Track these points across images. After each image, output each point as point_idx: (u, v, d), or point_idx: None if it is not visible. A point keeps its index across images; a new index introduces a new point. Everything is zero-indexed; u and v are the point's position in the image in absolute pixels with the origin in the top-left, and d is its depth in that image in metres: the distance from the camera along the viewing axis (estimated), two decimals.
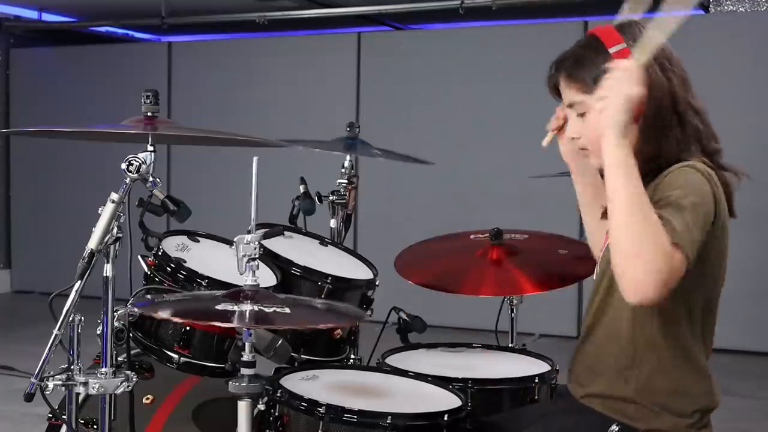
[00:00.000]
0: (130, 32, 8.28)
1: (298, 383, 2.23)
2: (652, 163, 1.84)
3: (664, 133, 1.84)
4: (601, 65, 1.83)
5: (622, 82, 1.73)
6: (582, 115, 1.93)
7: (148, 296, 2.33)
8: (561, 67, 1.93)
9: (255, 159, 1.93)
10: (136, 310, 2.14)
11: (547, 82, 1.98)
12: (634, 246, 1.65)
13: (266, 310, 1.89)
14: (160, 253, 2.42)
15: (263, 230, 2.03)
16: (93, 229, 2.07)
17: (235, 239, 1.95)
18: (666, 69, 1.85)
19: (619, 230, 1.69)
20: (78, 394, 2.12)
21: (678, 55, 1.90)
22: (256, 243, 1.94)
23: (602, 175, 1.84)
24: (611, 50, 1.86)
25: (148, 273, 2.41)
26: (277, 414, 2.10)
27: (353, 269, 2.78)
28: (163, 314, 1.99)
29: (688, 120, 1.86)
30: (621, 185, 1.70)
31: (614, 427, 1.88)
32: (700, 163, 1.83)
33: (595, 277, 2.02)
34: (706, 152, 1.87)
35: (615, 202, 1.71)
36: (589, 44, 1.90)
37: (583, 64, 1.89)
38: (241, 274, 1.95)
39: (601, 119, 1.75)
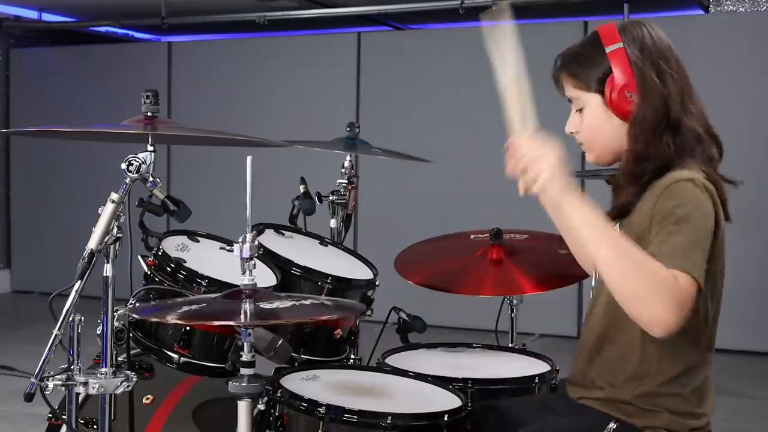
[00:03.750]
0: (130, 32, 8.28)
1: (298, 383, 2.23)
2: (644, 164, 1.85)
3: (655, 135, 1.85)
4: (598, 63, 1.87)
5: (534, 158, 1.76)
6: (580, 110, 1.95)
7: (151, 302, 2.32)
8: (563, 62, 1.97)
9: (249, 158, 1.93)
10: (135, 316, 2.14)
11: (552, 75, 2.01)
12: (635, 293, 1.66)
13: (266, 308, 1.89)
14: (160, 253, 2.42)
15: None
16: (93, 229, 2.07)
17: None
18: (662, 72, 1.85)
19: (615, 283, 1.69)
20: (78, 394, 2.12)
21: (681, 58, 1.90)
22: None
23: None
24: (607, 49, 1.88)
25: (148, 273, 2.41)
26: (277, 414, 2.10)
27: (353, 269, 2.78)
28: (165, 319, 2.00)
29: (684, 124, 1.85)
30: (596, 242, 1.71)
31: (612, 425, 1.88)
32: (699, 174, 1.81)
33: (593, 284, 2.01)
34: (706, 158, 1.86)
35: (598, 258, 1.71)
36: (589, 42, 1.93)
37: (580, 62, 1.92)
38: None
39: (542, 197, 1.79)
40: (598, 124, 1.92)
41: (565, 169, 1.75)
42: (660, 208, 1.77)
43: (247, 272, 1.93)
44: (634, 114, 1.85)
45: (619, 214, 1.91)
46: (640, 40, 1.88)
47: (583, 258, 2.21)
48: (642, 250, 1.70)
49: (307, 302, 2.04)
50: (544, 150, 1.76)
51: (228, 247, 2.00)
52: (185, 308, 1.97)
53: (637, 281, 1.66)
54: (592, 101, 1.92)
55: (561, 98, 2.04)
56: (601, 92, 1.89)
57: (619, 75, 1.86)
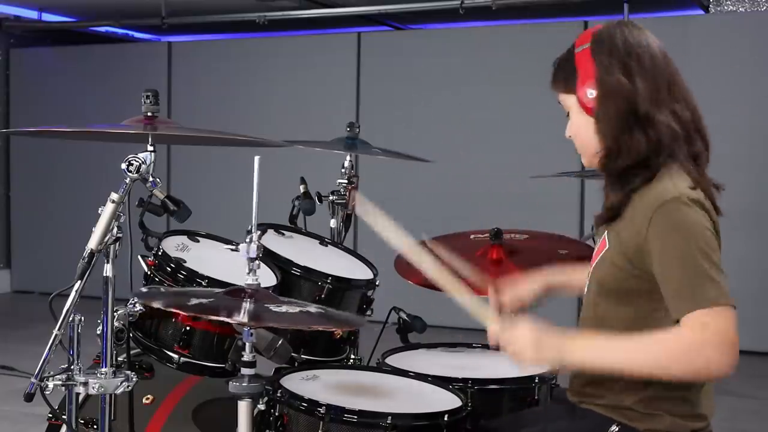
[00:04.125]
0: (130, 32, 8.28)
1: (298, 383, 2.23)
2: (618, 160, 1.86)
3: (623, 130, 1.85)
4: (570, 65, 1.91)
5: (515, 345, 1.84)
6: (568, 114, 1.97)
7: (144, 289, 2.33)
8: (553, 69, 1.99)
9: (257, 159, 1.93)
10: (136, 306, 2.15)
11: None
12: (687, 373, 1.72)
13: (267, 309, 1.89)
14: (160, 253, 2.41)
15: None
16: (93, 229, 2.07)
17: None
18: (630, 69, 1.86)
19: (667, 377, 1.75)
20: (78, 394, 2.12)
21: (662, 57, 1.90)
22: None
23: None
24: (576, 50, 1.92)
25: (148, 273, 2.41)
26: (277, 414, 2.10)
27: (353, 269, 2.78)
28: (161, 305, 2.00)
29: (657, 120, 1.84)
30: (621, 365, 1.77)
31: (614, 428, 1.88)
32: (685, 185, 1.80)
33: (585, 292, 2.01)
34: (691, 154, 1.86)
35: (636, 373, 1.77)
36: (569, 47, 1.96)
37: (560, 65, 1.96)
38: None
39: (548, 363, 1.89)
40: (579, 125, 1.94)
41: (545, 331, 1.82)
42: (655, 236, 1.77)
43: (252, 272, 1.94)
44: (597, 111, 1.88)
45: (609, 217, 1.91)
46: (611, 38, 1.89)
47: None
48: (652, 334, 1.74)
49: (308, 310, 2.05)
50: (516, 335, 1.85)
51: (234, 248, 2.00)
52: (192, 301, 1.97)
53: (683, 364, 1.70)
54: (571, 104, 1.94)
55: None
56: (575, 93, 1.92)
57: (583, 74, 1.89)
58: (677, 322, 1.72)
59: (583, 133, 1.93)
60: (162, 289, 2.32)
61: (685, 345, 1.69)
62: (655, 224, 1.77)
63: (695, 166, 1.85)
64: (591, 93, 1.88)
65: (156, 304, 2.10)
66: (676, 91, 1.89)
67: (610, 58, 1.87)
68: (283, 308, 1.95)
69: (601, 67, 1.87)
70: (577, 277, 2.18)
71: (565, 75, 1.93)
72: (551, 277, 2.27)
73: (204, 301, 1.97)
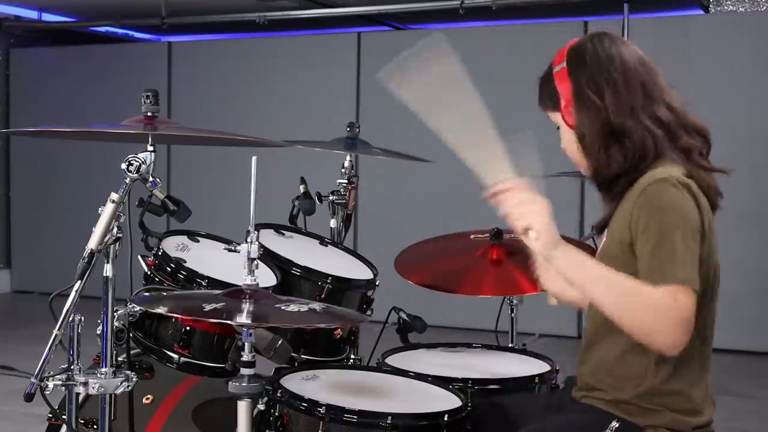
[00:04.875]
0: (130, 32, 8.27)
1: (298, 383, 2.23)
2: (602, 176, 1.92)
3: (600, 148, 1.90)
4: (551, 84, 1.98)
5: (526, 209, 1.83)
6: (558, 128, 2.02)
7: (146, 294, 2.33)
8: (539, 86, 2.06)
9: (254, 159, 1.93)
10: (136, 307, 2.14)
11: None
12: (640, 327, 1.74)
13: (267, 309, 1.89)
14: (160, 253, 2.42)
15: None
16: (93, 229, 2.07)
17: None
18: (599, 85, 1.90)
19: (619, 320, 1.76)
20: (78, 394, 2.12)
21: (634, 63, 1.92)
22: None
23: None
24: (554, 69, 1.98)
25: (148, 273, 2.41)
26: (277, 414, 2.11)
27: (353, 269, 2.78)
28: (162, 310, 2.00)
29: (630, 130, 1.87)
30: (591, 287, 1.79)
31: (614, 424, 1.88)
32: (676, 172, 1.83)
33: None
34: (680, 149, 1.88)
35: (597, 302, 1.79)
36: (549, 65, 2.02)
37: (543, 83, 2.03)
38: None
39: (533, 246, 1.85)
40: (567, 142, 2.01)
41: (553, 221, 1.83)
42: (639, 214, 1.80)
43: (252, 272, 1.94)
44: (577, 129, 1.94)
45: (602, 226, 1.97)
46: (581, 55, 1.94)
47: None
48: (634, 280, 1.75)
49: (308, 309, 2.04)
50: (535, 203, 1.84)
51: (234, 248, 2.00)
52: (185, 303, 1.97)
53: (640, 316, 1.73)
54: (558, 121, 2.01)
55: None
56: (560, 111, 1.98)
57: (563, 94, 1.95)
58: None
59: (573, 148, 1.99)
60: (156, 296, 2.31)
61: (658, 308, 1.71)
62: (640, 203, 1.81)
63: (687, 159, 1.87)
64: (570, 112, 1.94)
65: (175, 313, 2.09)
66: (655, 94, 1.91)
67: (582, 77, 1.92)
68: (293, 307, 1.95)
69: (575, 86, 1.93)
70: None
71: (548, 95, 2.00)
72: None
73: (217, 306, 1.94)
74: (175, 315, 2.17)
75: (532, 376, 2.40)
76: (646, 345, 1.76)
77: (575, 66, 1.93)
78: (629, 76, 1.90)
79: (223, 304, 1.91)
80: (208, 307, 1.86)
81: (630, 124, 1.87)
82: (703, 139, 1.93)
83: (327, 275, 2.57)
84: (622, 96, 1.89)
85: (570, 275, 1.83)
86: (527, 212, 1.82)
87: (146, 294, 2.32)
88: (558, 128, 2.02)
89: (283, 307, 1.94)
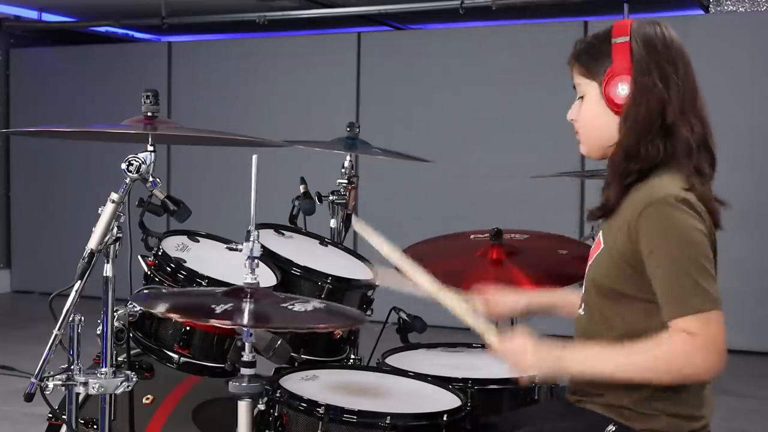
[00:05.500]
0: (130, 32, 8.27)
1: (298, 383, 2.23)
2: (632, 162, 1.85)
3: (647, 136, 1.84)
4: (603, 54, 1.88)
5: (517, 356, 1.89)
6: (582, 98, 1.95)
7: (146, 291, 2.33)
8: (575, 48, 1.96)
9: (254, 157, 1.93)
10: (136, 306, 2.14)
11: (567, 60, 2.00)
12: (678, 377, 1.77)
13: (267, 309, 1.89)
14: (160, 253, 2.41)
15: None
16: (93, 229, 2.07)
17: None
18: (667, 75, 1.84)
19: (659, 382, 1.80)
20: (78, 394, 2.12)
21: (690, 66, 1.89)
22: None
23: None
24: (614, 41, 1.87)
25: (148, 273, 2.41)
26: (276, 414, 2.10)
27: (353, 269, 2.78)
28: (162, 310, 1.99)
29: (679, 132, 1.84)
30: (617, 373, 1.80)
31: (611, 427, 1.88)
32: (679, 186, 1.80)
33: (582, 292, 2.01)
34: (694, 170, 1.85)
35: (633, 380, 1.81)
36: (602, 32, 1.93)
37: (588, 50, 1.93)
38: None
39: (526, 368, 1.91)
40: (593, 115, 1.92)
41: (544, 344, 1.87)
42: (646, 240, 1.77)
43: (252, 271, 1.94)
44: (626, 110, 1.85)
45: (602, 213, 1.92)
46: (651, 38, 1.87)
47: None
48: (645, 342, 1.76)
49: (310, 309, 2.04)
50: (515, 345, 1.90)
51: (236, 247, 2.00)
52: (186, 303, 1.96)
53: (669, 374, 1.76)
54: (591, 90, 1.92)
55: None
56: (600, 82, 1.89)
57: (617, 68, 1.86)
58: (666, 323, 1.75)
59: (597, 123, 1.92)
60: (156, 295, 2.30)
61: (673, 354, 1.73)
62: (644, 225, 1.78)
63: (696, 175, 1.84)
64: (623, 89, 1.85)
65: (157, 310, 2.08)
66: (698, 104, 1.88)
67: (649, 58, 1.85)
68: (298, 307, 1.95)
69: (638, 66, 1.84)
70: (569, 300, 2.17)
71: (593, 60, 1.90)
72: (538, 297, 2.28)
73: (228, 307, 1.94)
74: (185, 320, 2.17)
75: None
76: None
77: (643, 45, 1.85)
78: (690, 76, 1.88)
79: (230, 305, 1.90)
80: (219, 310, 1.86)
81: (680, 125, 1.84)
82: (711, 166, 1.89)
83: (327, 275, 2.57)
84: (682, 93, 1.85)
85: (589, 373, 1.85)
86: (518, 359, 1.89)
87: (146, 293, 2.32)
88: (581, 98, 1.95)
89: (288, 307, 1.93)
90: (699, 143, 1.86)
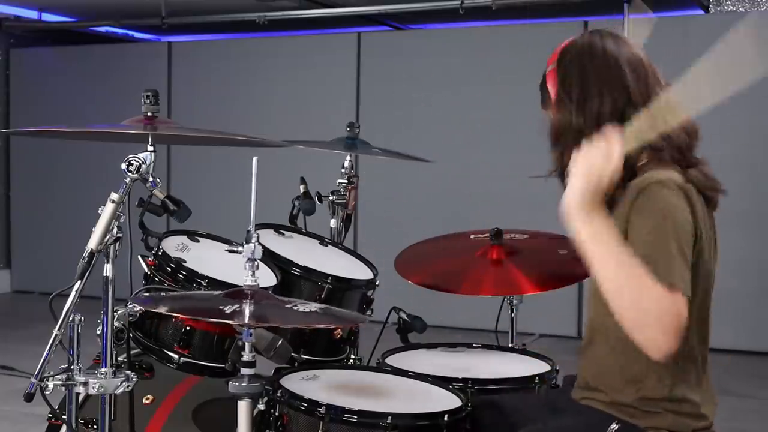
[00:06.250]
0: (130, 32, 8.27)
1: (298, 383, 2.23)
2: (562, 168, 1.93)
3: (560, 148, 1.95)
4: (543, 83, 2.02)
5: (596, 154, 1.76)
6: None
7: (146, 294, 2.33)
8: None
9: (255, 159, 1.93)
10: (136, 306, 2.14)
11: None
12: (638, 313, 1.67)
13: (267, 309, 1.89)
14: (160, 253, 2.41)
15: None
16: (93, 229, 2.07)
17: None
18: (572, 89, 1.92)
19: (617, 301, 1.70)
20: (78, 394, 2.12)
21: (630, 63, 1.92)
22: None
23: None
24: (547, 69, 2.01)
25: (148, 273, 2.41)
26: (277, 414, 2.10)
27: (353, 269, 2.78)
28: (163, 310, 2.00)
29: (589, 133, 1.87)
30: (601, 258, 1.72)
31: (614, 426, 1.88)
32: (674, 174, 1.82)
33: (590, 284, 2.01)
34: (676, 152, 1.87)
35: (601, 273, 1.73)
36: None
37: (541, 85, 2.06)
38: None
39: (567, 188, 1.79)
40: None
41: (604, 185, 1.76)
42: (635, 218, 1.79)
43: (252, 273, 1.94)
44: (549, 127, 1.99)
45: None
46: (565, 55, 1.97)
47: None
48: (644, 269, 1.69)
49: (309, 309, 2.04)
50: (596, 156, 1.76)
51: (237, 249, 2.00)
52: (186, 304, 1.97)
53: (639, 307, 1.67)
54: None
55: None
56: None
57: (551, 94, 1.99)
58: None
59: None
60: (157, 296, 2.31)
61: (654, 297, 1.66)
62: (636, 207, 1.79)
63: (683, 160, 1.87)
64: (552, 112, 1.99)
65: (158, 309, 2.09)
66: (636, 99, 1.89)
67: (562, 77, 1.95)
68: (303, 308, 1.95)
69: (557, 88, 1.96)
70: None
71: (542, 95, 2.04)
72: None
73: (236, 308, 1.93)
74: (188, 317, 2.17)
75: (532, 376, 2.39)
76: (639, 343, 1.69)
77: (560, 68, 1.97)
78: (608, 82, 1.90)
79: (235, 306, 1.90)
80: (228, 310, 1.86)
81: (593, 128, 1.85)
82: (688, 137, 1.90)
83: (327, 275, 2.57)
84: (593, 103, 1.90)
85: (589, 249, 1.75)
86: (585, 157, 1.77)
87: (147, 294, 2.32)
88: None
89: (289, 306, 1.94)
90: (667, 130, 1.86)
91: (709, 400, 1.91)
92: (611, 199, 1.89)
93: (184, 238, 2.59)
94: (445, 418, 2.06)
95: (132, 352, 2.27)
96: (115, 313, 2.12)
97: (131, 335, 2.22)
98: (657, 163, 1.87)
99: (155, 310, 2.16)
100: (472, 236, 2.85)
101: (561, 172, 1.94)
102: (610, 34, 1.97)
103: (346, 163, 3.11)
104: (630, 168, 1.86)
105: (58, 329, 2.05)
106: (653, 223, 1.76)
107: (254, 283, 1.97)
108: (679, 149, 1.88)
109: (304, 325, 2.29)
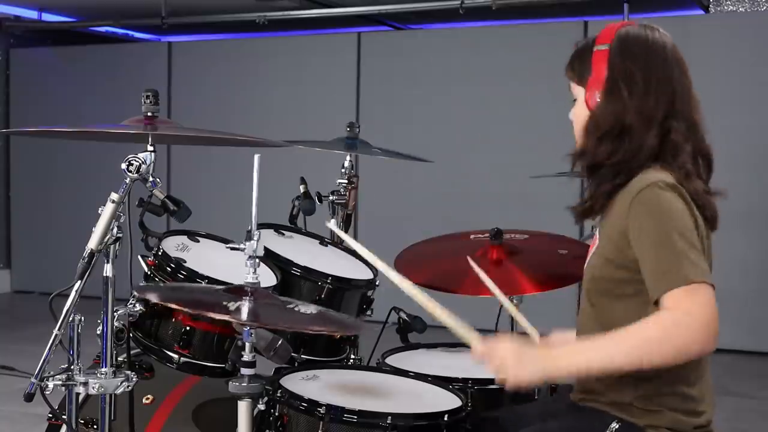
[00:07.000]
0: (130, 32, 8.28)
1: (298, 383, 2.23)
2: (580, 160, 1.94)
3: (598, 139, 1.90)
4: (587, 60, 1.94)
5: (498, 361, 1.84)
6: (575, 100, 2.01)
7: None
8: (572, 53, 2.02)
9: (257, 157, 1.93)
10: (136, 306, 2.14)
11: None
12: (674, 355, 1.70)
13: (267, 309, 1.89)
14: (160, 253, 2.41)
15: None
16: (93, 229, 2.07)
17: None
18: (634, 82, 1.87)
19: (657, 364, 1.72)
20: (78, 394, 2.12)
21: (675, 66, 1.90)
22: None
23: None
24: (595, 47, 1.94)
25: (148, 273, 2.41)
26: (277, 414, 2.10)
27: (353, 269, 2.78)
28: (159, 299, 2.00)
29: (638, 137, 1.87)
30: (608, 356, 1.74)
31: (614, 425, 1.88)
32: (666, 176, 1.82)
33: (583, 286, 2.02)
34: (679, 166, 1.86)
35: (625, 366, 1.74)
36: (591, 38, 1.98)
37: (578, 55, 1.99)
38: None
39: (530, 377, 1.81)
40: (579, 117, 1.99)
41: (528, 348, 1.83)
42: (634, 221, 1.79)
43: (254, 270, 1.94)
44: (592, 112, 1.93)
45: (581, 211, 1.97)
46: (627, 46, 1.91)
47: None
48: (630, 326, 1.72)
49: (308, 312, 2.04)
50: (498, 351, 1.84)
51: (239, 246, 2.00)
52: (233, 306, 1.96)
53: (662, 349, 1.69)
54: (579, 94, 1.98)
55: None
56: (585, 88, 1.96)
57: (595, 74, 1.92)
58: (656, 303, 1.73)
59: (580, 122, 1.99)
60: (159, 289, 2.31)
61: (665, 326, 1.69)
62: (634, 210, 1.80)
63: (681, 172, 1.85)
64: (597, 96, 1.92)
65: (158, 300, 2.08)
66: (680, 109, 1.89)
67: (623, 66, 1.89)
68: (305, 309, 1.95)
69: (610, 73, 1.90)
70: None
71: (580, 68, 1.97)
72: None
73: (237, 305, 1.94)
74: (196, 312, 2.16)
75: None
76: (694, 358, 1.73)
77: (619, 53, 1.90)
78: (664, 83, 1.89)
79: (237, 304, 1.90)
80: (232, 306, 1.86)
81: (640, 129, 1.87)
82: (705, 164, 1.91)
83: (327, 275, 2.57)
84: (649, 102, 1.87)
85: (579, 372, 1.81)
86: (500, 365, 1.84)
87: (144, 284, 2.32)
88: (574, 100, 2.00)
89: (289, 306, 1.94)
90: (680, 148, 1.87)
91: (708, 398, 1.91)
92: (606, 201, 1.90)
93: (184, 238, 2.59)
94: (445, 419, 2.06)
95: (132, 352, 2.27)
96: (115, 313, 2.12)
97: (131, 335, 2.22)
98: (654, 166, 1.86)
99: (154, 300, 2.16)
100: (472, 236, 2.85)
101: (591, 164, 1.91)
102: (667, 38, 1.94)
103: (346, 163, 3.11)
104: (620, 173, 1.87)
105: (58, 329, 2.05)
106: (655, 229, 1.76)
107: (255, 281, 1.97)
108: (686, 174, 1.86)
109: (301, 329, 2.29)
